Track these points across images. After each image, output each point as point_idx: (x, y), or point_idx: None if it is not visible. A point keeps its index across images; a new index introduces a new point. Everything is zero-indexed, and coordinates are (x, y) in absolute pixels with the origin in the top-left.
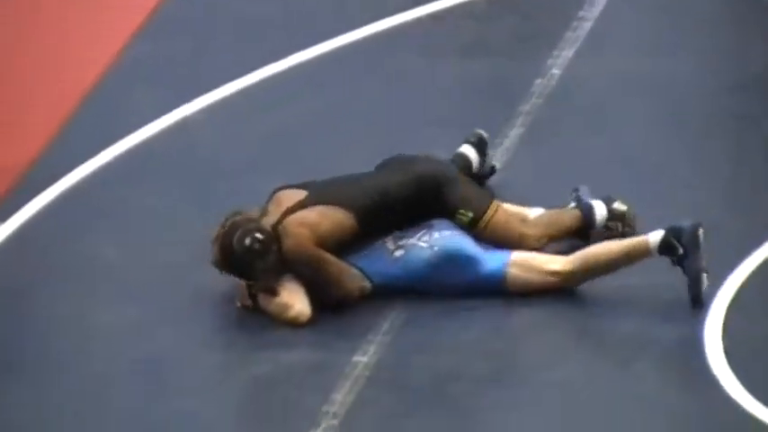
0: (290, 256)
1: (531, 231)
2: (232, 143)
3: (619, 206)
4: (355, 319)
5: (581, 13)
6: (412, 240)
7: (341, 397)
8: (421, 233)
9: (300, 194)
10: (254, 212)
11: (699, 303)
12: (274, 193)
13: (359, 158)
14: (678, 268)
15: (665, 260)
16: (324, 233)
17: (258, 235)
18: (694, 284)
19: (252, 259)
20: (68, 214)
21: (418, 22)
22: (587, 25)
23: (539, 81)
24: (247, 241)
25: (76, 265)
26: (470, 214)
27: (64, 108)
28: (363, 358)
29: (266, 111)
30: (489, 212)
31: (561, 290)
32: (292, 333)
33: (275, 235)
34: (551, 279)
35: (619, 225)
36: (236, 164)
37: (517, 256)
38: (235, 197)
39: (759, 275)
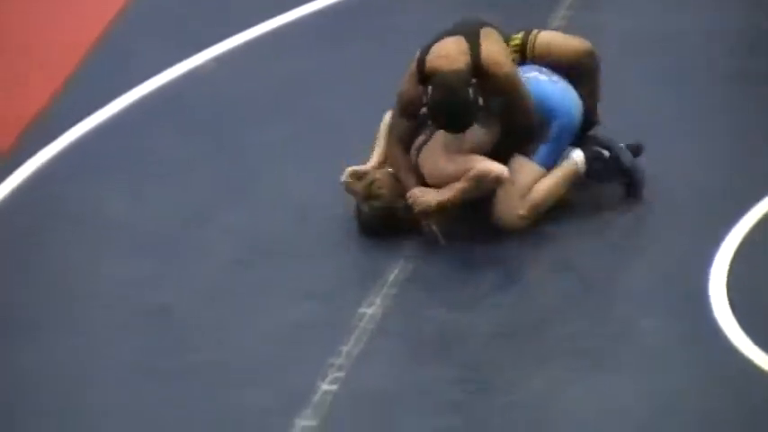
0: (509, 85)
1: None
2: (243, 93)
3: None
4: (361, 271)
5: None
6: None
7: (347, 349)
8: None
9: (459, 39)
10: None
11: (639, 194)
12: (425, 54)
13: (372, 110)
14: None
15: (671, 216)
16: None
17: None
18: (635, 173)
19: (474, 108)
20: (77, 165)
21: None
22: None
23: None
24: (471, 91)
25: (86, 216)
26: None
27: (69, 61)
28: (369, 310)
29: (276, 61)
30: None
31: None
32: (297, 286)
33: (480, 73)
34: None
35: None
36: (248, 113)
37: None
38: (244, 148)
39: (761, 229)
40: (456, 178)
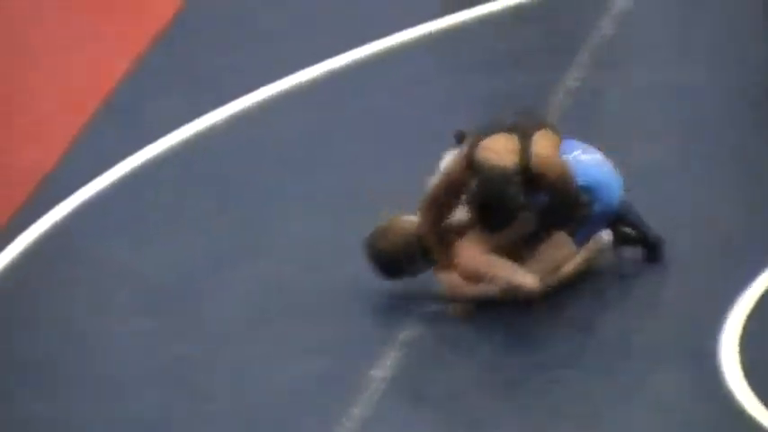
0: (560, 186)
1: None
2: (252, 153)
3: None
4: (371, 333)
5: (600, 25)
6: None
7: (358, 411)
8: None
9: (512, 138)
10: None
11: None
12: (473, 148)
13: (391, 164)
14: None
15: (685, 274)
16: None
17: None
18: (658, 245)
19: (515, 208)
20: (87, 224)
21: (439, 34)
22: (606, 37)
23: (556, 94)
24: (514, 192)
25: (97, 274)
26: None
27: (80, 118)
28: (380, 372)
29: (284, 121)
30: None
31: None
32: (308, 345)
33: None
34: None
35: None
36: (258, 174)
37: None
38: (258, 202)
39: None
40: (485, 275)
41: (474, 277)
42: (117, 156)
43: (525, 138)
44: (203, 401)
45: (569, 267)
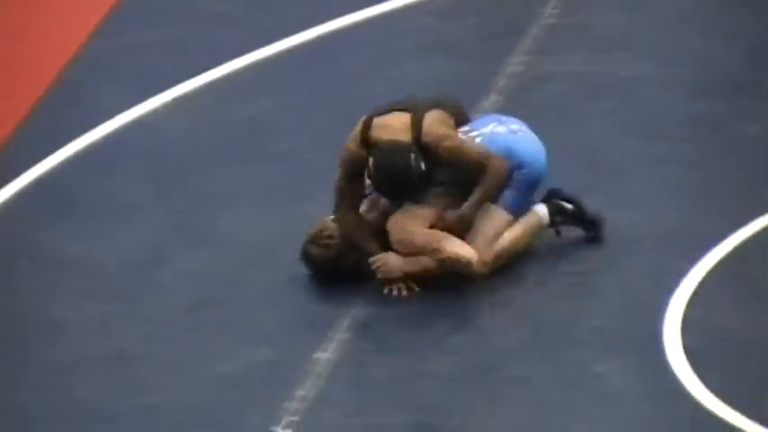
0: (454, 155)
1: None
2: (198, 137)
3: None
4: (316, 316)
5: (545, 12)
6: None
7: (301, 394)
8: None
9: (404, 116)
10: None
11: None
12: (367, 127)
13: (323, 151)
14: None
15: (628, 259)
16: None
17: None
18: (596, 222)
19: (414, 175)
20: (31, 208)
21: (383, 19)
22: (550, 24)
23: (499, 79)
24: (412, 158)
25: (41, 258)
26: None
27: (22, 105)
28: (324, 355)
29: (231, 105)
30: None
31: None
32: (253, 332)
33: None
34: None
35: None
36: (202, 158)
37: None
38: (201, 191)
39: (717, 274)
40: (424, 248)
41: (412, 250)
42: (59, 142)
43: (417, 116)
44: (144, 390)
45: (507, 238)
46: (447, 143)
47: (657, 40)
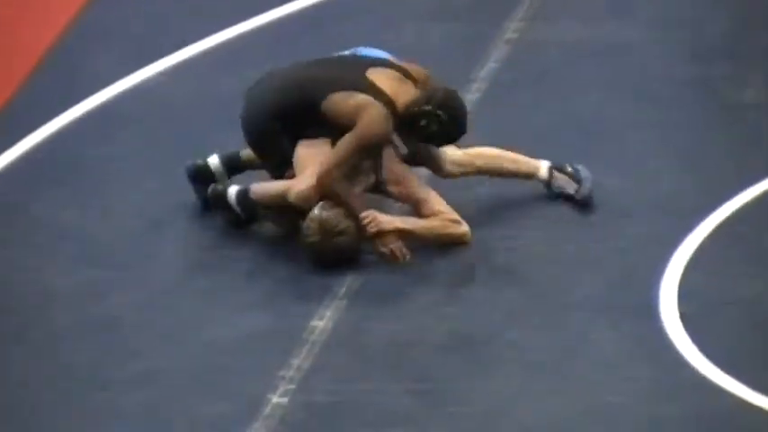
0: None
1: None
2: (193, 105)
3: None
4: (312, 284)
5: None
6: None
7: (298, 362)
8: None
9: (386, 71)
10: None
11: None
12: (390, 103)
13: None
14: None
15: (624, 226)
16: None
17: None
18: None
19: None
20: (26, 176)
21: None
22: None
23: (495, 46)
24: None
25: (34, 225)
26: None
27: (20, 70)
28: (320, 323)
29: (226, 73)
30: None
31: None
32: (248, 300)
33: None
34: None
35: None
36: (199, 125)
37: None
38: (197, 157)
39: (714, 240)
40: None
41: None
42: (55, 110)
43: (402, 70)
44: (140, 357)
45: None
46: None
47: (652, 6)
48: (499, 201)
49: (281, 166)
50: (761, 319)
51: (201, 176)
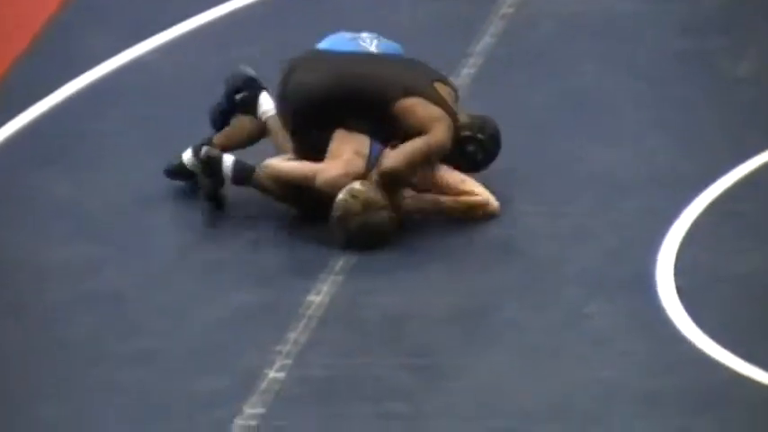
0: None
1: None
2: (187, 81)
3: None
4: (308, 259)
5: None
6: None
7: (295, 336)
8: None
9: (438, 86)
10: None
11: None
12: (455, 119)
13: None
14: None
15: (619, 200)
16: None
17: None
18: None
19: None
20: (21, 152)
21: None
22: None
23: (490, 21)
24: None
25: (32, 201)
26: None
27: (14, 46)
28: (317, 297)
29: (220, 49)
30: None
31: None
32: (244, 275)
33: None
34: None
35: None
36: (192, 102)
37: None
38: (190, 135)
39: (710, 214)
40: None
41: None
42: (49, 86)
43: (448, 84)
44: (137, 332)
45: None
46: None
47: None
48: (496, 176)
49: (314, 149)
50: (756, 292)
51: (181, 174)
